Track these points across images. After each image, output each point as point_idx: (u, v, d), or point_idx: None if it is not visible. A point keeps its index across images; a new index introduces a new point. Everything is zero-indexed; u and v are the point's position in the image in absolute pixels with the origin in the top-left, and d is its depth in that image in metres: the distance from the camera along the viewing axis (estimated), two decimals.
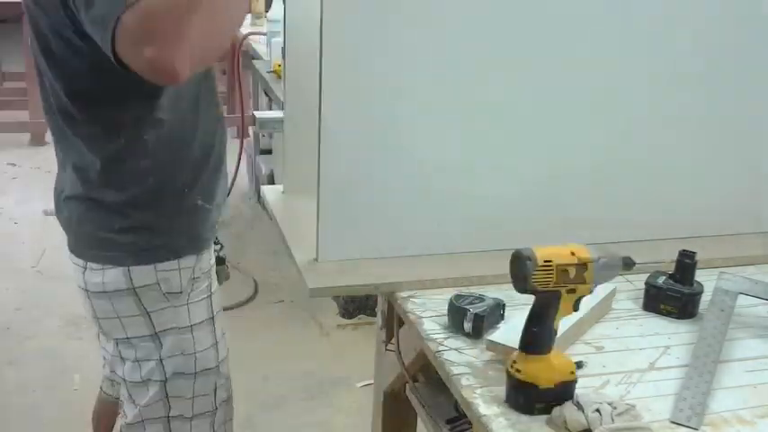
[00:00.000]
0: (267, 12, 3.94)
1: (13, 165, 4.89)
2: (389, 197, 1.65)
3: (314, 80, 1.56)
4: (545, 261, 1.20)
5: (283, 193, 2.06)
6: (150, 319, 1.57)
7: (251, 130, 4.33)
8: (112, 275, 1.53)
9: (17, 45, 5.47)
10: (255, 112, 3.49)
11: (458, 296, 1.47)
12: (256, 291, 3.59)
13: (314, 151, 1.59)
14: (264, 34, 3.94)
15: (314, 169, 1.60)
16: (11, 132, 5.30)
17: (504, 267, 1.23)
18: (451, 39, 1.58)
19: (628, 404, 1.22)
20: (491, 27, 1.59)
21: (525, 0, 1.60)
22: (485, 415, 1.22)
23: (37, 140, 5.22)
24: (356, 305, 3.41)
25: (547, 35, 1.63)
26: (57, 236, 3.51)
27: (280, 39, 3.25)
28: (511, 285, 1.23)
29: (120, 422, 1.69)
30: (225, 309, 3.40)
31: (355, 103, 1.58)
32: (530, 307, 1.24)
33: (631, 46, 1.68)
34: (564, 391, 1.22)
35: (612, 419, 1.18)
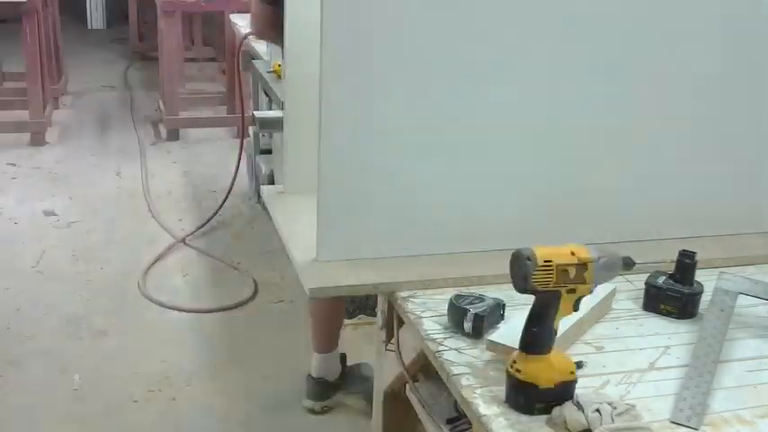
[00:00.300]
0: None
1: (13, 165, 4.88)
2: (389, 197, 1.65)
3: (314, 80, 1.56)
4: (545, 261, 1.20)
5: (283, 193, 2.06)
6: None
7: (251, 130, 4.34)
8: None
9: (17, 45, 5.47)
10: (255, 112, 3.49)
11: (458, 296, 1.47)
12: (256, 291, 3.59)
13: (314, 151, 1.59)
14: None
15: (314, 169, 1.60)
16: (11, 132, 5.30)
17: (504, 267, 1.23)
18: (454, 40, 1.58)
19: (628, 404, 1.22)
20: (492, 32, 1.59)
21: (526, 8, 1.60)
22: (485, 415, 1.22)
23: (37, 140, 5.21)
24: (356, 305, 3.40)
25: (548, 36, 1.63)
26: (57, 236, 3.51)
27: None
28: (511, 285, 1.23)
29: None
30: (225, 309, 3.43)
31: (355, 103, 1.58)
32: (530, 307, 1.24)
33: (631, 46, 1.69)
34: (564, 391, 1.22)
35: (612, 419, 1.18)
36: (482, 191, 1.70)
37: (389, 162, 1.63)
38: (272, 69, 3.57)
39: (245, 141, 4.21)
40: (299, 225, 1.80)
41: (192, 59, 7.01)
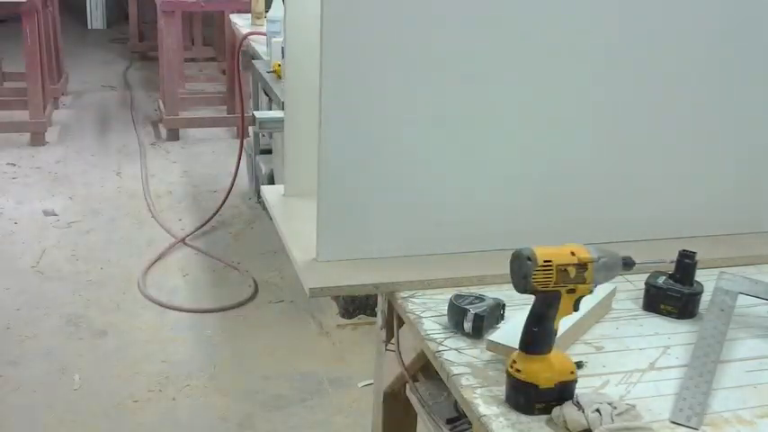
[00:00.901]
0: (267, 12, 3.94)
1: (13, 165, 4.89)
2: (389, 197, 1.65)
3: (314, 80, 1.56)
4: (545, 261, 1.20)
5: (283, 193, 2.06)
6: None
7: (251, 130, 4.34)
8: None
9: (17, 45, 5.47)
10: (255, 112, 3.49)
11: (458, 296, 1.47)
12: (256, 291, 3.59)
13: (314, 151, 1.59)
14: (264, 34, 3.94)
15: (314, 169, 1.60)
16: (11, 132, 5.30)
17: (504, 267, 1.23)
18: (454, 39, 1.58)
19: (628, 404, 1.22)
20: (492, 32, 1.59)
21: (527, 7, 1.60)
22: (485, 415, 1.22)
23: (37, 140, 5.21)
24: (356, 305, 3.41)
25: (548, 35, 1.63)
26: (57, 236, 3.52)
27: (280, 39, 3.26)
28: (511, 285, 1.23)
29: None
30: (225, 309, 3.43)
31: (355, 103, 1.57)
32: (530, 307, 1.24)
33: (630, 45, 1.68)
34: (564, 391, 1.22)
35: (612, 419, 1.18)
36: (482, 191, 1.70)
37: (389, 162, 1.63)
38: (272, 69, 3.57)
39: (245, 141, 4.22)
40: (299, 225, 1.80)
41: (192, 59, 7.02)
